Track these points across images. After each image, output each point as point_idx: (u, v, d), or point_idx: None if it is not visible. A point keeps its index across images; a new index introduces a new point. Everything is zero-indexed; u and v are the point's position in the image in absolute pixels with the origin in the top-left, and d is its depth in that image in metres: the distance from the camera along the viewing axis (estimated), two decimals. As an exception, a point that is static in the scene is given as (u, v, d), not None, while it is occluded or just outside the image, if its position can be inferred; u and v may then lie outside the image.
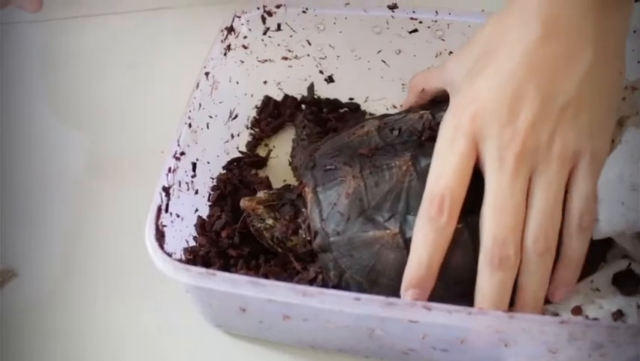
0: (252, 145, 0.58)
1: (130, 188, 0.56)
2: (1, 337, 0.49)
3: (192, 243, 0.48)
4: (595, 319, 0.40)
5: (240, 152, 0.57)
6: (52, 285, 0.52)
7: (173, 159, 0.46)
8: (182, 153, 0.47)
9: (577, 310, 0.41)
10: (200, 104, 0.50)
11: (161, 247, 0.42)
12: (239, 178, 0.54)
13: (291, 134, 0.57)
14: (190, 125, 0.48)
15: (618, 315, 0.40)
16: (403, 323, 0.40)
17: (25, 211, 0.56)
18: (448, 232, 0.41)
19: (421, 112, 0.47)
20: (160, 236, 0.43)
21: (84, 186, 0.57)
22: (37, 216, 0.56)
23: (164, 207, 0.45)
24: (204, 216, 0.51)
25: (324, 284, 0.45)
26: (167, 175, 0.46)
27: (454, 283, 0.42)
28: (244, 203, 0.48)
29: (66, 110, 0.62)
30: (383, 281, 0.43)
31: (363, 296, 0.39)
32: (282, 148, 0.58)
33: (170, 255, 0.42)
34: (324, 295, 0.40)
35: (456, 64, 0.45)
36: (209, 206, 0.52)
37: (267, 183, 0.54)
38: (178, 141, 0.47)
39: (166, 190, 0.45)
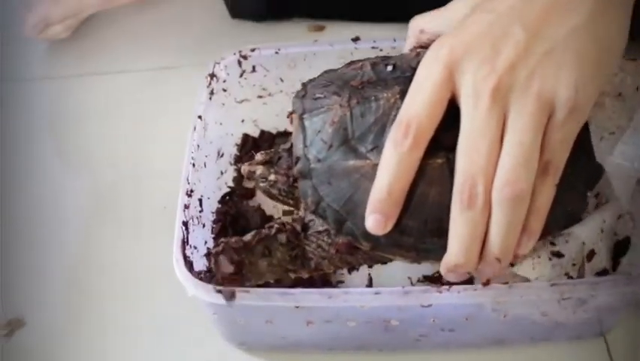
0: (239, 179, 0.63)
1: (131, 238, 0.60)
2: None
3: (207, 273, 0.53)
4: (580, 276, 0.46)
5: (229, 187, 0.62)
6: (59, 332, 0.55)
7: (186, 197, 0.51)
8: (192, 191, 0.52)
9: (591, 255, 0.45)
10: (198, 145, 0.55)
11: (192, 273, 0.47)
12: (235, 210, 0.59)
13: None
14: (194, 165, 0.53)
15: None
16: (416, 309, 0.46)
17: (31, 261, 0.59)
18: (412, 159, 0.41)
19: (418, 50, 0.48)
20: (190, 266, 0.47)
21: (87, 234, 0.61)
22: (43, 265, 0.59)
23: (186, 240, 0.49)
24: (211, 248, 0.55)
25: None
26: (184, 211, 0.50)
27: (432, 220, 0.42)
28: (244, 168, 0.49)
29: (72, 163, 0.66)
30: (359, 212, 0.43)
31: (383, 290, 0.45)
32: (265, 178, 0.63)
33: (200, 280, 0.46)
34: (347, 295, 0.45)
35: (460, 4, 0.45)
36: (213, 238, 0.56)
37: (260, 212, 0.59)
38: (187, 179, 0.52)
39: (185, 224, 0.50)
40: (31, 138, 0.68)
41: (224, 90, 0.61)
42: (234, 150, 0.64)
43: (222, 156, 0.61)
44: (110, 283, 0.58)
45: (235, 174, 0.63)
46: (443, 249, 0.42)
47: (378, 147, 0.43)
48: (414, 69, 0.44)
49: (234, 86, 0.61)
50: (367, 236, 0.43)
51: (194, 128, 0.55)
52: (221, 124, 0.61)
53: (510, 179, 0.39)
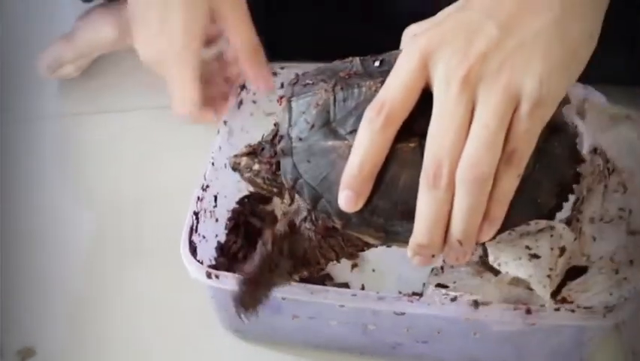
0: (259, 185, 0.69)
1: (134, 267, 0.63)
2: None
3: (214, 263, 0.59)
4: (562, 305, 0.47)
5: (249, 191, 0.67)
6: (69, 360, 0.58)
7: (201, 190, 0.57)
8: (207, 186, 0.58)
9: (562, 251, 0.47)
10: (220, 147, 0.60)
11: (194, 257, 0.52)
12: (250, 211, 0.65)
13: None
14: (213, 164, 0.59)
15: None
16: (390, 316, 0.50)
17: (41, 290, 0.62)
18: (384, 137, 0.44)
19: None
20: (193, 250, 0.53)
21: (93, 265, 0.64)
22: (53, 296, 0.62)
23: (194, 227, 0.55)
24: (222, 242, 0.61)
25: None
26: (197, 203, 0.56)
27: (402, 202, 0.45)
28: (230, 161, 0.52)
29: (81, 198, 0.70)
30: (334, 191, 0.45)
31: (359, 292, 0.49)
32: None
33: (201, 263, 0.52)
34: (327, 293, 0.50)
35: (449, 9, 0.48)
36: (226, 234, 0.62)
37: (273, 215, 0.65)
38: (205, 175, 0.57)
39: (196, 214, 0.55)
40: (42, 173, 0.71)
41: (254, 102, 0.66)
42: (259, 158, 0.70)
43: (246, 161, 0.67)
44: (117, 309, 0.61)
45: (257, 180, 0.69)
46: (411, 233, 0.44)
47: (356, 130, 0.45)
48: None
49: (264, 100, 0.67)
50: (340, 214, 0.46)
51: (218, 132, 0.60)
52: (247, 132, 0.66)
53: (473, 162, 0.42)
